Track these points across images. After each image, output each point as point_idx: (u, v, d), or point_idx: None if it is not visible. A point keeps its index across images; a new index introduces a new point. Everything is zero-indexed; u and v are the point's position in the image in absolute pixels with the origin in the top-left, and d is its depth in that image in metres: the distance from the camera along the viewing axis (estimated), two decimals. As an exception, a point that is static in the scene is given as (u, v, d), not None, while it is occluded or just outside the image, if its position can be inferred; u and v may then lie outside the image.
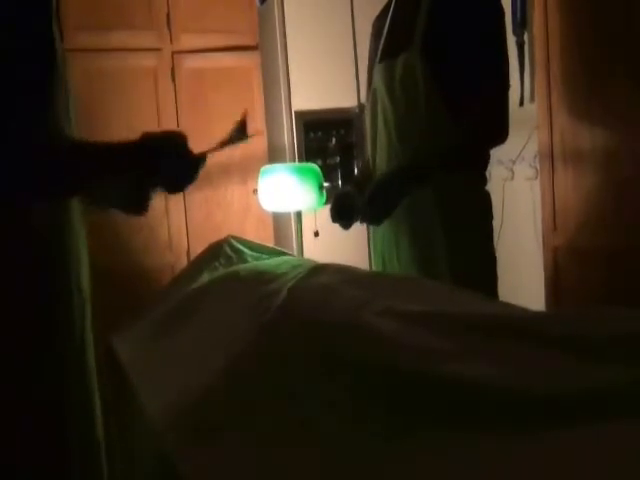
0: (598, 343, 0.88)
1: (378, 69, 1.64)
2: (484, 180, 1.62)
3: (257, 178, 2.26)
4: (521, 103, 2.71)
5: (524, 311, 1.10)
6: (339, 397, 0.89)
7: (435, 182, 1.54)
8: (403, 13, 1.62)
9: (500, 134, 1.53)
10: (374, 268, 1.79)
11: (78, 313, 1.03)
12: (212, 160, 3.12)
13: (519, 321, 1.02)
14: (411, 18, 1.55)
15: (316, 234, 2.18)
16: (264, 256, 1.69)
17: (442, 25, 1.50)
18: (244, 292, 1.36)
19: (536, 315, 1.08)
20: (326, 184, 2.11)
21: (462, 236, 1.54)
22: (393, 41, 1.62)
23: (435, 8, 1.52)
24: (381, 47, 1.65)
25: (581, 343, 0.89)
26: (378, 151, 1.68)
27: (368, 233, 3.16)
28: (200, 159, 1.13)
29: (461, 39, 1.49)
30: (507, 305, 1.20)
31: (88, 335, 1.07)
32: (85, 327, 1.05)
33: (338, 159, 3.11)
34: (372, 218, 1.54)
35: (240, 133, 1.32)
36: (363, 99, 1.69)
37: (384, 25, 1.67)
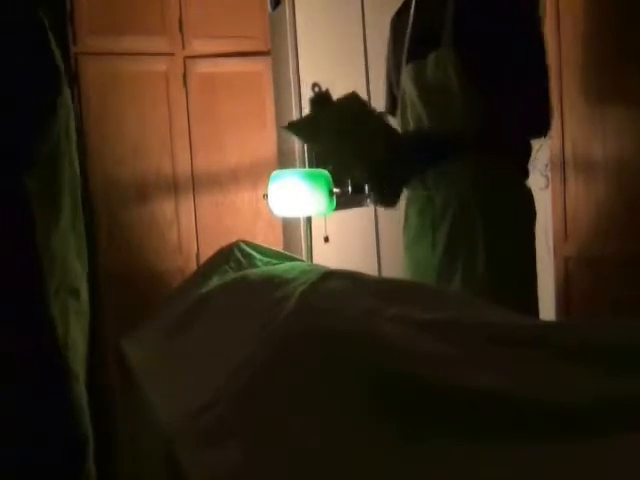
0: (609, 353, 0.87)
1: (406, 71, 1.57)
2: (525, 174, 1.54)
3: (267, 183, 2.26)
4: (532, 111, 2.70)
5: (535, 320, 1.09)
6: (350, 403, 0.89)
7: (474, 176, 1.47)
8: (427, 12, 1.56)
9: (541, 122, 1.46)
10: (406, 273, 1.71)
11: (62, 316, 1.03)
12: (222, 165, 3.14)
13: (530, 330, 1.01)
14: (437, 16, 1.49)
15: (326, 239, 2.18)
16: (274, 261, 1.69)
17: (472, 19, 1.44)
18: (254, 296, 1.36)
19: (547, 324, 1.07)
20: (336, 190, 2.11)
21: (501, 233, 1.47)
22: (420, 41, 1.55)
23: (462, 2, 1.46)
24: (406, 48, 1.59)
25: (592, 353, 0.88)
26: None
27: (377, 240, 3.16)
28: None
29: (493, 31, 1.41)
30: (518, 314, 1.19)
31: (76, 337, 1.06)
32: (70, 330, 1.04)
33: (348, 165, 3.11)
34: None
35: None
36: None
37: (405, 26, 1.61)
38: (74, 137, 1.12)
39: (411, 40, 1.59)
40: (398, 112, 1.66)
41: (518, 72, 1.43)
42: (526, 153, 1.54)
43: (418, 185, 1.58)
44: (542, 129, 1.48)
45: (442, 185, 1.53)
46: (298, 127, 1.54)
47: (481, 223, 1.47)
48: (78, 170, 1.09)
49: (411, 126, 1.60)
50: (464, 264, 1.49)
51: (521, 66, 1.43)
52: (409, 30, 1.60)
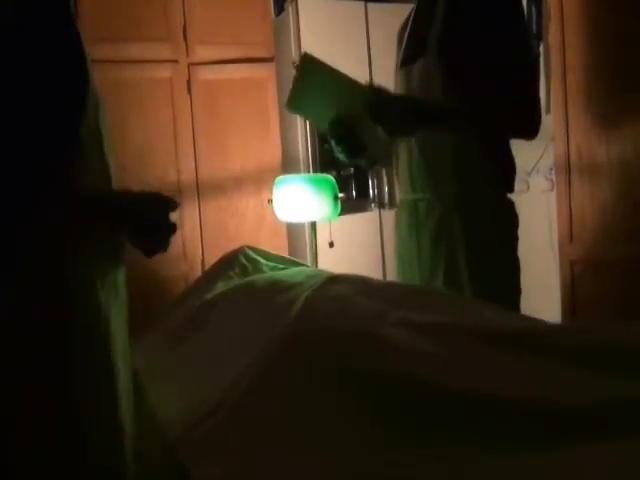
0: (613, 355, 0.87)
1: (399, 75, 1.62)
2: (508, 188, 1.56)
3: (272, 188, 2.26)
4: (536, 114, 2.70)
5: (539, 323, 1.09)
6: (355, 406, 0.89)
7: (458, 182, 1.49)
8: (420, 19, 1.60)
9: (529, 123, 1.45)
10: (397, 275, 1.72)
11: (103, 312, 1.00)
12: (226, 171, 3.13)
13: (534, 333, 1.01)
14: (427, 23, 1.53)
15: (331, 245, 2.18)
16: (279, 266, 1.69)
17: (457, 26, 1.46)
18: (260, 302, 1.36)
19: (551, 328, 1.07)
20: (341, 195, 2.11)
21: (481, 243, 1.49)
22: (412, 47, 1.60)
23: (449, 11, 1.49)
24: (402, 53, 1.64)
25: (597, 356, 0.88)
26: (400, 162, 1.64)
27: (382, 245, 3.16)
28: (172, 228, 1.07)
29: (479, 36, 1.43)
30: (522, 317, 1.19)
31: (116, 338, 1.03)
32: (109, 331, 1.01)
33: (352, 170, 3.12)
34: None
35: None
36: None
37: (405, 33, 1.66)
38: (104, 131, 1.08)
39: (406, 46, 1.62)
40: None
41: (504, 77, 1.44)
42: (510, 168, 1.56)
43: (407, 187, 1.60)
44: (527, 130, 1.47)
45: (428, 189, 1.55)
46: (292, 104, 1.64)
47: (462, 231, 1.48)
48: (111, 167, 1.06)
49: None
50: (445, 273, 1.50)
51: (507, 71, 1.44)
52: (406, 35, 1.63)
